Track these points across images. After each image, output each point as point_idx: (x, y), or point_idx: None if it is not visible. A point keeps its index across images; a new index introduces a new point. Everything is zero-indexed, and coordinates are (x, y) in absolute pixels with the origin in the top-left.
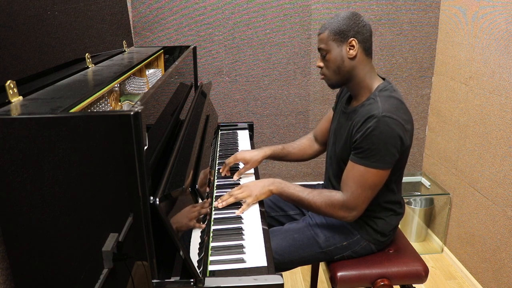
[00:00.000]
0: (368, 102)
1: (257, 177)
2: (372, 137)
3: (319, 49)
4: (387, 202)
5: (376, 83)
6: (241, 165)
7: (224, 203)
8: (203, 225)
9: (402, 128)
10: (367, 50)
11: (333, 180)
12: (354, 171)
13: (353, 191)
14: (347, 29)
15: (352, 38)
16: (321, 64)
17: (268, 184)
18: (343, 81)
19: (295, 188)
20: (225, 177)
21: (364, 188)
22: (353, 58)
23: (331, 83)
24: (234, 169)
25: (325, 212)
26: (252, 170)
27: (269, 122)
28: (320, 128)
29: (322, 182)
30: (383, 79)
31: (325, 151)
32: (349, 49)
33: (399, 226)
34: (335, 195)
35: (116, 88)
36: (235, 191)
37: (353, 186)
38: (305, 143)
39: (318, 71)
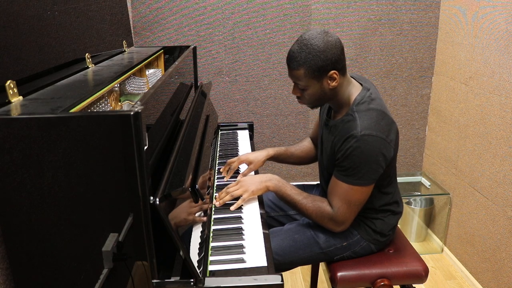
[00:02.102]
0: (347, 119)
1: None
2: (353, 157)
3: (295, 83)
4: (383, 205)
5: (354, 93)
6: (242, 168)
7: (221, 202)
8: (203, 225)
9: (383, 143)
10: (344, 70)
11: (326, 188)
12: (338, 188)
13: (339, 207)
14: (325, 64)
15: (332, 71)
16: (298, 94)
17: (266, 180)
18: (324, 103)
19: (292, 190)
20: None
21: (349, 205)
22: (334, 87)
23: (311, 107)
24: (235, 172)
25: (315, 220)
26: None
27: (269, 122)
28: (313, 133)
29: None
30: (361, 84)
31: None
32: (330, 81)
33: (399, 226)
34: (326, 207)
35: (116, 88)
36: (232, 187)
37: (338, 203)
38: (307, 146)
39: None
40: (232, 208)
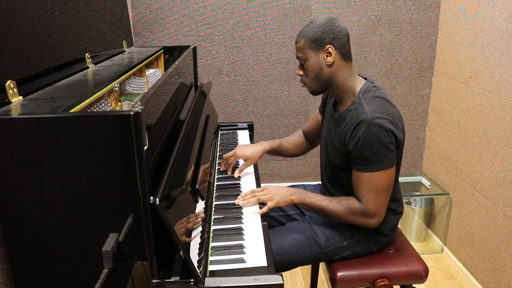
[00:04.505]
0: (354, 107)
1: (257, 177)
2: (368, 142)
3: (298, 58)
4: None
5: (359, 85)
6: (240, 162)
7: (246, 202)
8: (203, 225)
9: (392, 124)
10: (345, 54)
11: (329, 186)
12: (362, 179)
13: (367, 198)
14: (323, 36)
15: (328, 45)
16: (301, 72)
17: (291, 194)
18: (324, 88)
19: (316, 197)
20: (226, 176)
21: (377, 193)
22: (331, 65)
23: (312, 91)
24: (234, 167)
25: (347, 219)
26: (252, 169)
27: (269, 122)
28: (307, 127)
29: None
30: (365, 78)
31: (313, 148)
32: (326, 56)
33: (399, 226)
34: (354, 203)
35: (116, 88)
36: (258, 192)
37: (366, 194)
38: (299, 139)
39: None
40: (258, 213)
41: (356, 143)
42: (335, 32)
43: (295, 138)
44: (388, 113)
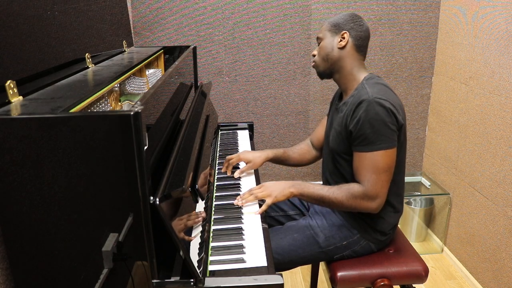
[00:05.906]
0: (357, 92)
1: (257, 177)
2: (369, 121)
3: (317, 38)
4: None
5: (363, 75)
6: (242, 164)
7: (244, 201)
8: (203, 225)
9: (393, 106)
10: (359, 47)
11: (330, 179)
12: (363, 160)
13: (368, 179)
14: (343, 23)
15: (344, 31)
16: (315, 52)
17: (289, 186)
18: (331, 70)
19: (315, 187)
20: (226, 176)
21: (378, 173)
22: (342, 48)
23: (319, 71)
24: (234, 168)
25: (349, 205)
26: (252, 170)
27: (269, 122)
28: (315, 134)
29: (321, 183)
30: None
31: (321, 157)
32: (340, 40)
33: (399, 226)
34: (354, 187)
35: (116, 88)
36: (256, 190)
37: (367, 175)
38: (304, 148)
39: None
40: (257, 212)
41: (357, 122)
42: (355, 24)
43: (300, 147)
44: (390, 98)
